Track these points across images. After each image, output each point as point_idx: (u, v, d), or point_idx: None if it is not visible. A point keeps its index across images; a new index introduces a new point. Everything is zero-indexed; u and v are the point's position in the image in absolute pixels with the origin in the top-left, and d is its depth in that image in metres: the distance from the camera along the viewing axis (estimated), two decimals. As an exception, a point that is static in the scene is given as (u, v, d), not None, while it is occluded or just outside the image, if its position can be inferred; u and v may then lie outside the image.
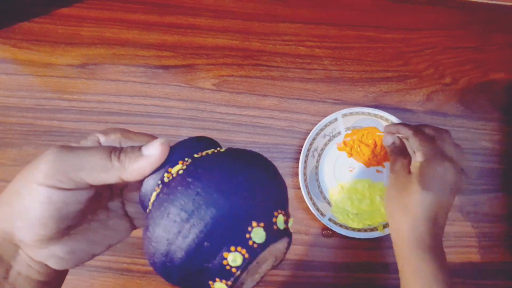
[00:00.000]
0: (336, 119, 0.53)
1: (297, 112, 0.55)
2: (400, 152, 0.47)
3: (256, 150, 0.55)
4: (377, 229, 0.51)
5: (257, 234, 0.20)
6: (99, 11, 0.56)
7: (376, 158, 0.53)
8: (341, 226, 0.51)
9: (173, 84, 0.55)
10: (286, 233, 0.22)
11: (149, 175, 0.24)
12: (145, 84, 0.54)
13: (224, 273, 0.20)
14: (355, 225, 0.51)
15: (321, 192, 0.52)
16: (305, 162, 0.52)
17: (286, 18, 0.57)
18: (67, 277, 0.28)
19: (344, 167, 0.53)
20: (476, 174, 0.55)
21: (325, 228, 0.52)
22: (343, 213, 0.51)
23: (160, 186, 0.22)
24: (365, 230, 0.51)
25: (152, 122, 0.54)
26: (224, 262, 0.20)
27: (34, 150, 0.53)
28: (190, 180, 0.21)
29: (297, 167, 0.52)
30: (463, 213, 0.54)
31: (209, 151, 0.23)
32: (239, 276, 0.21)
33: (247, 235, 0.20)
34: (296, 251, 0.52)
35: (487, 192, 0.55)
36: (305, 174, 0.51)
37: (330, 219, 0.51)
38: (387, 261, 0.52)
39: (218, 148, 0.25)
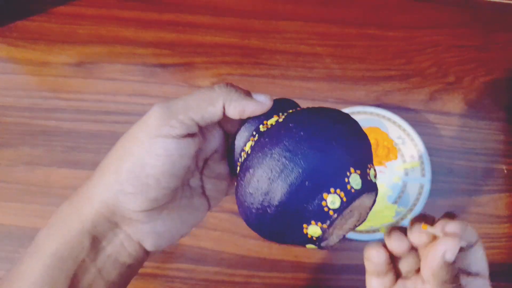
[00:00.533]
0: (337, 119, 0.52)
1: (297, 112, 0.54)
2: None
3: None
4: (379, 231, 0.50)
5: (355, 180, 0.21)
6: (96, 9, 0.56)
7: (378, 158, 0.53)
8: (342, 227, 0.50)
9: (171, 83, 0.54)
10: (375, 186, 0.23)
11: (243, 125, 0.24)
12: (143, 83, 0.54)
13: (321, 215, 0.21)
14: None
15: (322, 193, 0.52)
16: (306, 162, 0.51)
17: (287, 15, 0.57)
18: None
19: (345, 167, 0.53)
20: (480, 174, 0.55)
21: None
22: (345, 214, 0.51)
23: (257, 135, 0.23)
24: (367, 232, 0.50)
25: (150, 121, 0.53)
26: (323, 203, 0.21)
27: (31, 150, 0.52)
28: (292, 125, 0.22)
29: (298, 168, 0.51)
30: (466, 214, 0.54)
31: (299, 108, 0.24)
32: (335, 219, 0.21)
33: (346, 179, 0.21)
34: (296, 253, 0.51)
35: (491, 192, 0.54)
36: (306, 175, 0.51)
37: (331, 221, 0.50)
38: (389, 263, 0.52)
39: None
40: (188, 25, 0.56)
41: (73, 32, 0.55)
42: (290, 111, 0.24)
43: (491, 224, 0.54)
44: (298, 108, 0.25)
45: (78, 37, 0.55)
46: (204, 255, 0.49)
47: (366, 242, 0.50)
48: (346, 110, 0.52)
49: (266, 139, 0.22)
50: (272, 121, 0.23)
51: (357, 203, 0.22)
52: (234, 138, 0.25)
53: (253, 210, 0.22)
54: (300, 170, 0.20)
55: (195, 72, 0.54)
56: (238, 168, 0.24)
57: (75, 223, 0.23)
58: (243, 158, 0.23)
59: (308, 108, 0.24)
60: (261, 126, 0.24)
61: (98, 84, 0.54)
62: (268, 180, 0.21)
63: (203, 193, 0.29)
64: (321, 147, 0.21)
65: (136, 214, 0.23)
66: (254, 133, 0.24)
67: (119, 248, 0.24)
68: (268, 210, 0.21)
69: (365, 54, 0.56)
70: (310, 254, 0.51)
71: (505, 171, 0.55)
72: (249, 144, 0.23)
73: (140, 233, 0.24)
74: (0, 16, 0.55)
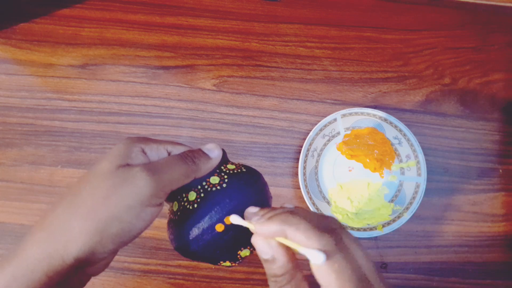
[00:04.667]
0: (335, 120, 0.53)
1: (296, 113, 0.55)
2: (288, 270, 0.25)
3: (256, 150, 0.55)
4: (376, 229, 0.51)
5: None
6: (100, 12, 0.56)
7: (379, 158, 0.53)
8: (340, 226, 0.51)
9: (174, 84, 0.55)
10: None
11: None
12: (146, 84, 0.55)
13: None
14: (354, 225, 0.51)
15: (321, 191, 0.53)
16: (305, 162, 0.52)
17: (286, 18, 0.57)
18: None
19: (343, 167, 0.53)
20: (475, 174, 0.55)
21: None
22: (343, 212, 0.52)
23: (202, 193, 0.29)
24: (364, 230, 0.51)
25: (152, 122, 0.54)
26: None
27: (35, 150, 0.53)
28: (227, 200, 0.29)
29: (297, 167, 0.52)
30: (462, 213, 0.54)
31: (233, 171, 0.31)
32: None
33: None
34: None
35: (486, 192, 0.55)
36: (304, 174, 0.52)
37: (329, 219, 0.51)
38: (386, 261, 0.52)
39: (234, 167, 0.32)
40: (190, 28, 0.56)
41: (77, 34, 0.55)
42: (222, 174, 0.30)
43: (487, 222, 0.54)
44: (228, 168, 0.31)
45: (82, 39, 0.55)
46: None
47: (363, 240, 0.51)
48: (344, 111, 0.53)
49: (213, 198, 0.28)
50: (230, 166, 0.31)
51: None
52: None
53: (202, 242, 0.28)
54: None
55: (197, 74, 0.55)
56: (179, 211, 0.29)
57: (38, 268, 0.23)
58: (189, 205, 0.29)
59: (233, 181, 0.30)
60: (222, 167, 0.31)
61: (101, 85, 0.54)
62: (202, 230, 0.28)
63: None
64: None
65: (108, 253, 0.25)
66: (219, 172, 0.30)
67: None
68: (220, 241, 0.28)
69: (363, 56, 0.57)
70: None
71: (501, 171, 0.56)
72: (215, 178, 0.29)
73: (98, 267, 0.26)
74: (5, 18, 0.55)
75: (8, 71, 0.54)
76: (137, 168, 0.25)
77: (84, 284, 0.27)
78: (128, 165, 0.25)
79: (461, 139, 0.56)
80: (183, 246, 0.28)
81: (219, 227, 0.27)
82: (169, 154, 0.29)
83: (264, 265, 0.25)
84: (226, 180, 0.29)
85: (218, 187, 0.28)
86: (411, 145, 0.52)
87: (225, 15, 0.57)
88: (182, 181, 0.27)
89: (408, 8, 0.59)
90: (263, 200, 0.30)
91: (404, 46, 0.58)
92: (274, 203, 0.52)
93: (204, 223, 0.27)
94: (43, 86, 0.54)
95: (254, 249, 0.26)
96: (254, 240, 0.25)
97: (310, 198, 0.51)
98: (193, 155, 0.28)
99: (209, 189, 0.28)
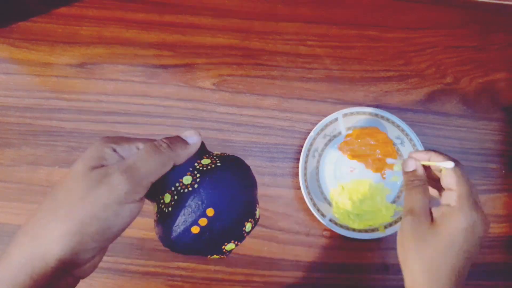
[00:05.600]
0: (336, 119, 0.53)
1: (297, 112, 0.55)
2: (421, 186, 0.38)
3: (256, 150, 0.55)
4: (378, 230, 0.50)
5: (256, 214, 0.32)
6: (98, 10, 0.56)
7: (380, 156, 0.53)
8: (341, 226, 0.50)
9: (173, 83, 0.54)
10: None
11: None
12: (144, 83, 0.54)
13: (240, 236, 0.30)
14: (355, 226, 0.50)
15: (322, 192, 0.52)
16: (306, 162, 0.51)
17: (287, 17, 0.57)
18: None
19: (344, 167, 0.53)
20: (477, 174, 0.55)
21: (326, 229, 0.52)
22: (344, 213, 0.51)
23: (198, 175, 0.29)
24: (366, 231, 0.50)
25: (151, 121, 0.53)
26: (244, 228, 0.30)
27: (33, 150, 0.52)
28: (229, 176, 0.29)
29: (298, 167, 0.52)
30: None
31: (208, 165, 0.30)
32: (245, 237, 0.32)
33: (254, 213, 0.31)
34: (296, 252, 0.51)
35: (488, 192, 0.55)
36: (305, 175, 0.51)
37: (330, 220, 0.51)
38: (388, 262, 0.52)
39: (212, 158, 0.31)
40: (189, 27, 0.56)
41: (75, 33, 0.55)
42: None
43: (489, 223, 0.54)
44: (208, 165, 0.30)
45: (80, 38, 0.55)
46: (205, 254, 0.49)
47: (364, 242, 0.51)
48: (345, 110, 0.53)
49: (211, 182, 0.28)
50: (205, 161, 0.29)
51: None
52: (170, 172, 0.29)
53: (182, 243, 0.28)
54: (239, 211, 0.29)
55: (196, 73, 0.55)
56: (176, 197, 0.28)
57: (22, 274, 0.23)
58: (184, 190, 0.28)
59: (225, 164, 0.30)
60: (196, 164, 0.29)
61: (100, 84, 0.54)
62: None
63: None
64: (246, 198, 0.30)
65: (93, 251, 0.25)
66: (192, 169, 0.29)
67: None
68: (199, 241, 0.28)
69: (364, 55, 0.57)
70: (309, 253, 0.51)
71: (503, 171, 0.55)
72: (187, 178, 0.28)
73: (86, 268, 0.26)
74: (3, 17, 0.55)
75: (6, 71, 0.54)
76: (110, 167, 0.25)
77: (73, 287, 0.27)
78: (102, 166, 0.26)
79: (463, 139, 0.56)
80: (168, 246, 0.29)
81: (195, 229, 0.27)
82: None
83: (405, 176, 0.39)
84: (198, 180, 0.28)
85: (190, 188, 0.28)
86: (414, 145, 0.52)
87: (224, 13, 0.56)
88: (160, 171, 0.27)
89: (409, 6, 0.58)
90: (241, 191, 0.29)
91: (405, 45, 0.57)
92: (274, 204, 0.52)
93: (179, 226, 0.27)
94: (41, 86, 0.54)
95: (239, 243, 0.30)
96: (407, 161, 0.39)
97: (311, 199, 0.50)
98: (169, 141, 0.28)
99: (182, 190, 0.28)
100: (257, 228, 0.51)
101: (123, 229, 0.26)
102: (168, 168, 0.27)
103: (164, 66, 0.55)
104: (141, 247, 0.50)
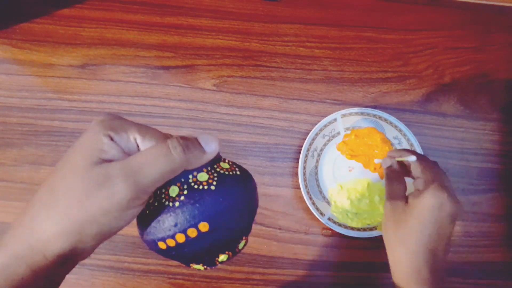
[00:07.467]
0: (335, 120, 0.53)
1: (297, 113, 0.55)
2: (397, 177, 0.45)
3: (256, 150, 0.55)
4: (375, 228, 0.51)
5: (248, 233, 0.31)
6: (100, 12, 0.56)
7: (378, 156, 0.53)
8: (340, 225, 0.51)
9: (174, 84, 0.55)
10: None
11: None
12: (146, 84, 0.55)
13: (234, 250, 0.30)
14: (354, 225, 0.51)
15: (321, 191, 0.53)
16: (305, 162, 0.52)
17: (286, 19, 0.57)
18: (68, 276, 0.28)
19: (343, 167, 0.53)
20: (475, 174, 0.55)
21: (325, 227, 0.52)
22: (343, 212, 0.52)
23: (186, 189, 0.26)
24: (364, 230, 0.51)
25: (152, 122, 0.54)
26: (238, 245, 0.30)
27: (35, 150, 0.53)
28: (221, 199, 0.26)
29: (297, 167, 0.52)
30: (462, 213, 0.54)
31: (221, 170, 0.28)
32: (239, 252, 0.31)
33: (247, 234, 0.30)
34: (295, 250, 0.52)
35: (486, 192, 0.55)
36: (304, 174, 0.52)
37: (329, 219, 0.51)
38: (386, 260, 0.52)
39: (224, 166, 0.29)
40: (190, 28, 0.56)
41: (77, 34, 0.55)
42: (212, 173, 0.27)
43: (487, 223, 0.54)
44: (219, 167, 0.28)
45: (82, 39, 0.55)
46: (205, 252, 0.49)
47: (363, 240, 0.51)
48: (344, 111, 0.53)
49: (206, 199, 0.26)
50: (202, 177, 0.26)
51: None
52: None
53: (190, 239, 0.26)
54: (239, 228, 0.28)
55: (197, 74, 0.55)
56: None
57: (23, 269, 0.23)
58: (168, 202, 0.25)
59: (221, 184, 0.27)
60: (190, 178, 0.26)
61: (101, 85, 0.54)
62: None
63: None
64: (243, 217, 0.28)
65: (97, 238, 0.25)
66: (183, 181, 0.26)
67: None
68: (205, 241, 0.26)
69: (363, 56, 0.57)
70: (308, 251, 0.52)
71: (501, 171, 0.56)
72: (174, 189, 0.26)
73: (83, 257, 0.26)
74: (5, 18, 0.55)
75: (8, 71, 0.54)
76: (112, 167, 0.23)
77: (71, 269, 0.27)
78: (103, 161, 0.24)
79: (461, 139, 0.56)
80: (154, 247, 0.26)
81: (192, 233, 0.25)
82: (137, 145, 0.26)
83: (384, 171, 0.46)
84: (215, 179, 0.26)
85: (206, 187, 0.25)
86: (411, 145, 0.52)
87: (225, 15, 0.57)
88: (167, 178, 0.25)
89: (408, 8, 0.59)
90: (250, 206, 0.28)
91: (404, 46, 0.58)
92: (274, 203, 0.53)
93: (184, 223, 0.25)
94: (43, 86, 0.54)
95: (208, 267, 0.29)
96: (385, 159, 0.46)
97: (310, 198, 0.51)
98: (186, 144, 0.25)
99: (195, 186, 0.25)
100: (257, 227, 0.51)
101: (124, 227, 0.25)
102: (177, 174, 0.25)
103: (165, 67, 0.55)
104: (143, 246, 0.51)
